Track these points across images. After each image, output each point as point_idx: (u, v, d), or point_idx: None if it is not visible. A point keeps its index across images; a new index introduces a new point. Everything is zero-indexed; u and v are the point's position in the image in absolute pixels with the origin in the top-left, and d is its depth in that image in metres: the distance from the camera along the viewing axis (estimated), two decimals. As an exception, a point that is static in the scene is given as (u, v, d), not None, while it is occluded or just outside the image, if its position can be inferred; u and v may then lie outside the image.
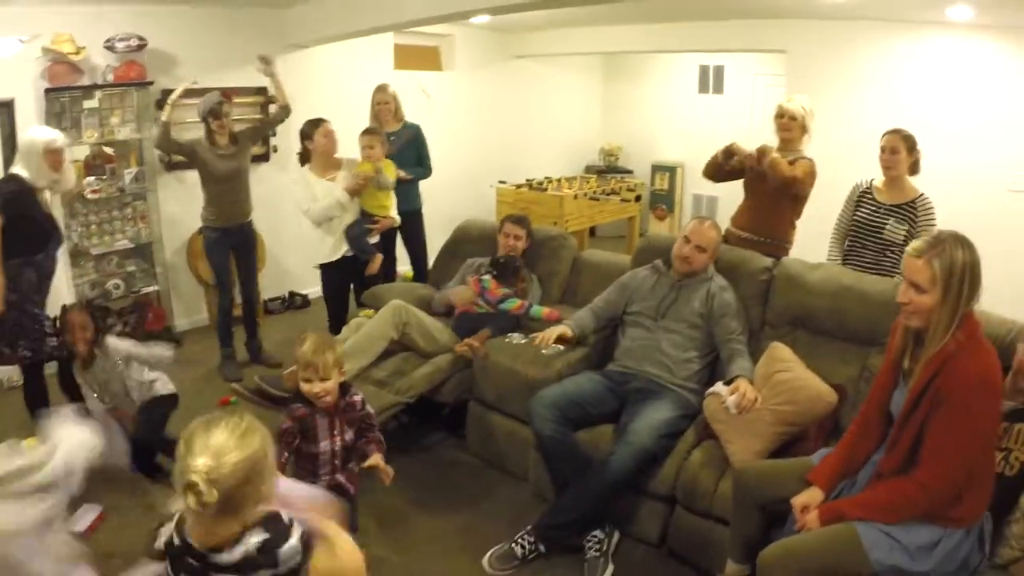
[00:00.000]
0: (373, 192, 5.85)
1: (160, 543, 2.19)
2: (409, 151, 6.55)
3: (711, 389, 4.01)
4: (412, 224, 6.74)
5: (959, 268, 2.69)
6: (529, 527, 4.00)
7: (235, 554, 2.02)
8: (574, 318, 4.77)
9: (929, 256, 2.72)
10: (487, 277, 5.14)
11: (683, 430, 4.06)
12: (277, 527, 2.10)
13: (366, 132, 5.96)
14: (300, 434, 3.55)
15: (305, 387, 3.50)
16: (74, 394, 4.74)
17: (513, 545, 3.95)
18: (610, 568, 3.87)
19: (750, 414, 3.77)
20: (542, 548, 3.94)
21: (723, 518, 3.61)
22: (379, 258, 5.93)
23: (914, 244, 2.82)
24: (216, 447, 1.99)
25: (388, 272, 6.79)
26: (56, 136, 4.61)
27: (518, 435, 4.64)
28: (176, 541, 2.11)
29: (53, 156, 4.52)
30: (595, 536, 3.93)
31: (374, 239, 5.96)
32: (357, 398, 3.69)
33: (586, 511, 3.90)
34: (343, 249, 5.87)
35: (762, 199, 5.22)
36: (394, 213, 6.06)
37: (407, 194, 6.40)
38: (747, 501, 3.35)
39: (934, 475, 2.71)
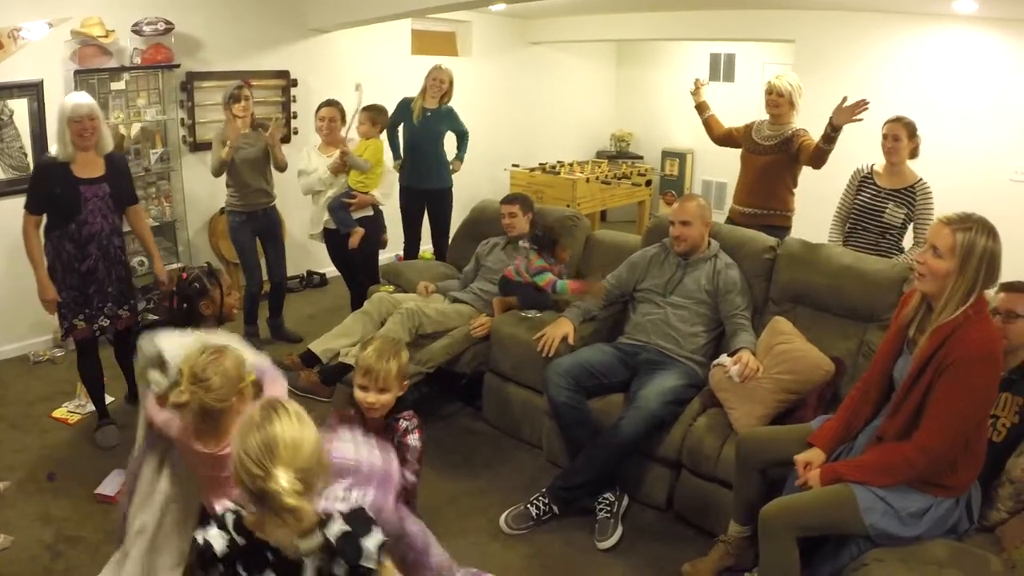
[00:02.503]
0: (357, 173, 5.99)
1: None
2: (442, 129, 6.77)
3: (716, 361, 4.17)
4: (440, 202, 6.93)
5: (979, 250, 2.80)
6: (543, 489, 4.19)
7: (313, 542, 1.99)
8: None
9: (955, 227, 2.83)
10: (532, 251, 5.21)
11: (689, 398, 4.22)
12: (360, 518, 2.08)
13: (365, 109, 6.09)
14: None
15: (359, 395, 3.14)
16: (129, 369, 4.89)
17: (528, 506, 4.13)
18: (619, 529, 4.04)
19: (752, 382, 3.94)
20: (556, 509, 4.12)
21: (726, 481, 3.79)
22: (359, 232, 5.99)
23: (947, 213, 2.93)
24: (289, 442, 1.99)
25: (410, 248, 6.99)
26: (79, 103, 4.46)
27: (533, 404, 4.83)
28: (240, 541, 2.04)
29: (77, 126, 4.44)
30: (606, 499, 4.12)
31: (359, 213, 6.06)
32: (403, 424, 3.21)
33: (597, 473, 4.09)
34: (323, 219, 6.09)
35: (757, 172, 5.58)
36: (377, 192, 6.12)
37: (437, 172, 6.56)
38: (749, 465, 3.51)
39: (935, 439, 2.83)
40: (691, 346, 4.46)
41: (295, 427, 2.05)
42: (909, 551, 2.90)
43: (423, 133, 6.56)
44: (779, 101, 5.47)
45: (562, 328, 4.73)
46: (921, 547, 2.91)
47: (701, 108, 6.03)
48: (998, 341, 2.88)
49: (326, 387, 4.84)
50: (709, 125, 6.04)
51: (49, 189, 4.50)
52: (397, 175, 6.79)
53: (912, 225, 5.02)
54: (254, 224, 6.20)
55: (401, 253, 7.20)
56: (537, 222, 5.52)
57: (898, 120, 5.00)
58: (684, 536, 4.08)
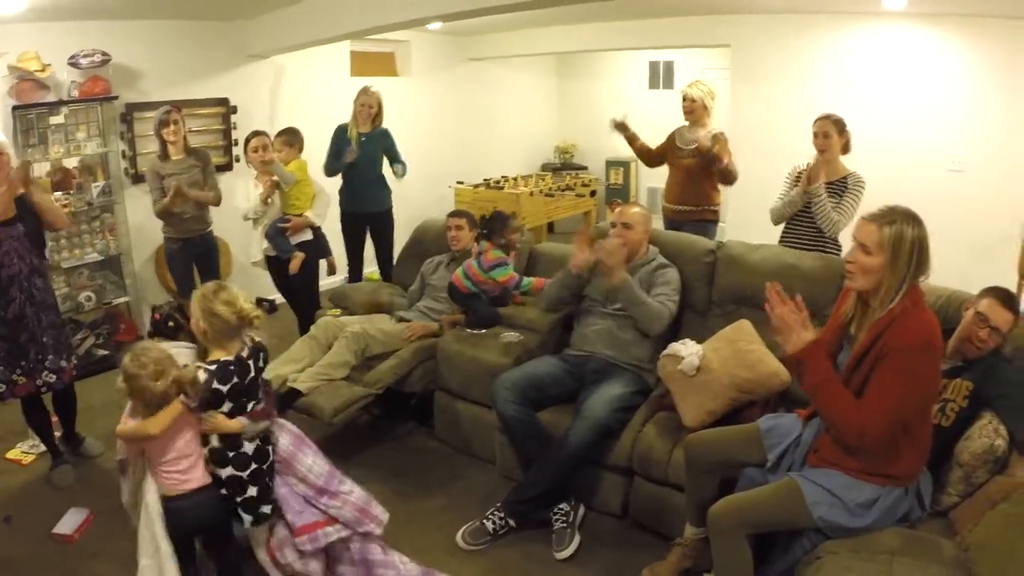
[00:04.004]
0: (288, 192, 5.90)
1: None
2: (378, 151, 6.75)
3: (666, 351, 4.16)
4: (382, 223, 6.93)
5: (908, 241, 2.84)
6: (499, 504, 4.19)
7: None
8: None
9: (881, 223, 2.88)
10: (482, 242, 5.20)
11: (637, 405, 4.26)
12: None
13: (280, 134, 6.05)
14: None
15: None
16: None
17: (484, 522, 4.13)
18: (577, 538, 4.05)
19: (708, 375, 3.93)
20: (512, 523, 4.13)
21: (679, 485, 3.80)
22: (299, 257, 5.91)
23: (869, 211, 2.98)
24: None
25: (354, 271, 6.98)
26: None
27: (483, 420, 4.83)
28: None
29: None
30: (561, 509, 4.14)
31: (297, 238, 5.98)
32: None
33: (550, 484, 4.10)
34: (264, 246, 6.05)
35: (683, 173, 6.11)
36: (310, 213, 6.02)
37: (377, 195, 6.56)
38: (698, 467, 3.53)
39: (871, 422, 2.83)
40: (637, 353, 4.48)
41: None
42: (861, 541, 2.93)
43: (361, 157, 6.54)
44: (693, 107, 6.08)
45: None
46: (873, 537, 2.94)
47: (631, 140, 6.50)
48: (935, 329, 2.91)
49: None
50: (641, 154, 6.55)
51: None
52: (336, 197, 6.76)
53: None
54: (190, 250, 6.15)
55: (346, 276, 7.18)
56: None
57: (827, 117, 5.13)
58: (641, 541, 4.09)
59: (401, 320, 5.41)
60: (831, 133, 5.07)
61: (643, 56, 10.83)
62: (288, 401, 4.76)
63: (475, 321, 5.16)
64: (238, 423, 3.27)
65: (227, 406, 3.26)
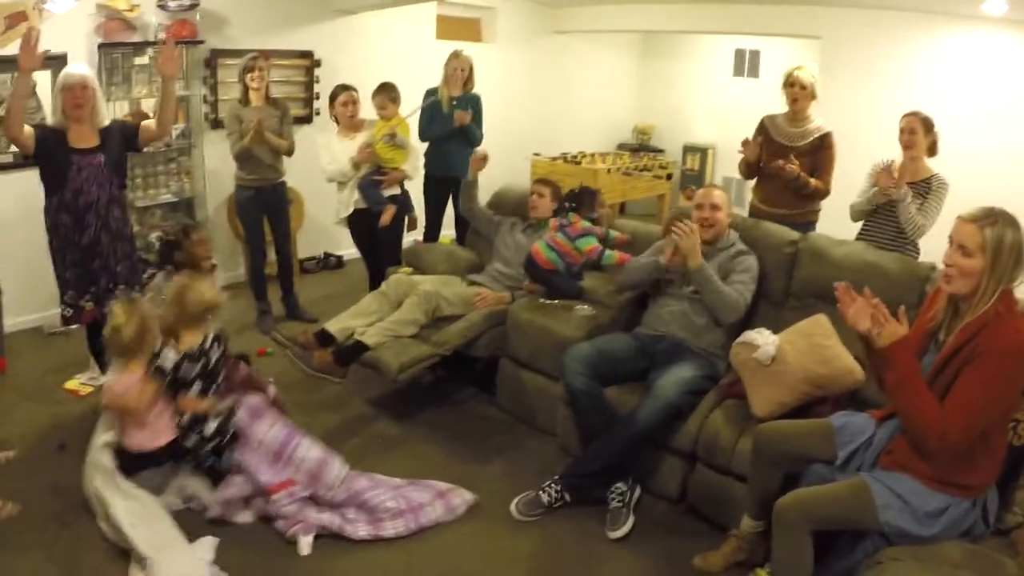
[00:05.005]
0: (386, 148, 5.96)
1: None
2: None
3: (740, 339, 4.10)
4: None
5: (1008, 244, 2.77)
6: (556, 477, 4.16)
7: None
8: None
9: (982, 224, 2.79)
10: (569, 213, 5.15)
11: (706, 390, 4.20)
12: None
13: (379, 91, 6.06)
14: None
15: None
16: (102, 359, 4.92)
17: (540, 493, 4.11)
18: (631, 519, 4.01)
19: (781, 366, 3.85)
20: (567, 497, 4.10)
21: (741, 475, 3.75)
22: (391, 210, 5.99)
23: (971, 211, 2.87)
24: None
25: (431, 233, 6.96)
26: (71, 72, 4.52)
27: (548, 392, 4.80)
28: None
29: (69, 94, 4.45)
30: (618, 488, 4.10)
31: (389, 191, 6.06)
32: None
33: (611, 462, 4.07)
34: (354, 199, 6.06)
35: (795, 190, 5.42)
36: (407, 167, 6.12)
37: (464, 160, 6.51)
38: (765, 459, 3.47)
39: (953, 426, 2.76)
40: (709, 338, 4.42)
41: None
42: (925, 550, 2.87)
43: (451, 120, 6.49)
44: (801, 94, 5.38)
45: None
46: (936, 547, 2.88)
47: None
48: None
49: (340, 367, 4.81)
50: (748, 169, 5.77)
51: (41, 153, 4.50)
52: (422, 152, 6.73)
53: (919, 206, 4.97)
54: (262, 199, 6.20)
55: (420, 237, 7.18)
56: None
57: (915, 114, 5.00)
58: (696, 529, 4.05)
59: (473, 283, 5.41)
60: (917, 130, 4.95)
61: (729, 43, 10.67)
62: (353, 355, 4.77)
63: (556, 294, 5.11)
64: (209, 402, 3.87)
65: (197, 386, 3.85)
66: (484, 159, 5.86)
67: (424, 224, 7.07)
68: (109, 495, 3.71)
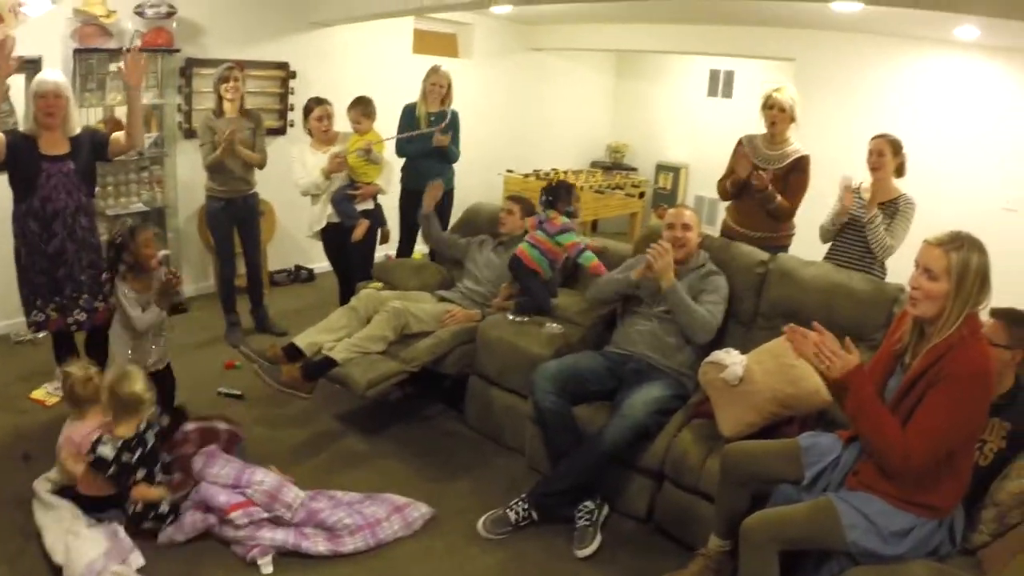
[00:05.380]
0: (360, 162, 5.93)
1: None
2: (445, 131, 6.62)
3: (708, 358, 4.10)
4: (442, 204, 6.75)
5: (973, 268, 2.78)
6: (523, 495, 4.15)
7: None
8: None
9: (947, 248, 2.81)
10: (547, 210, 5.15)
11: (675, 409, 4.20)
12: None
13: (354, 105, 6.03)
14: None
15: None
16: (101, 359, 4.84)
17: (507, 511, 4.09)
18: (598, 538, 4.00)
19: (749, 386, 3.86)
20: (535, 516, 4.08)
21: (709, 494, 3.75)
22: (364, 224, 5.97)
23: (937, 235, 2.88)
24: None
25: (405, 247, 6.95)
26: (44, 79, 4.50)
27: (516, 409, 4.79)
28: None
29: (42, 101, 4.43)
30: (586, 506, 4.08)
31: (361, 206, 6.04)
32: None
33: (579, 481, 4.05)
34: (327, 213, 6.02)
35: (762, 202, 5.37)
36: (381, 181, 6.10)
37: (440, 174, 6.49)
38: (733, 478, 3.47)
39: (916, 449, 2.77)
40: (679, 358, 4.42)
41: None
42: (890, 570, 2.87)
43: (428, 137, 6.47)
44: (780, 117, 5.28)
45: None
46: (902, 567, 2.88)
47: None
48: (991, 361, 2.86)
49: (307, 383, 4.77)
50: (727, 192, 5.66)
51: (11, 159, 4.46)
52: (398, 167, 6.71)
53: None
54: (233, 210, 6.16)
55: (392, 252, 7.15)
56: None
57: (883, 136, 5.05)
58: (664, 548, 4.04)
59: (443, 300, 5.40)
60: (885, 152, 5.00)
61: (703, 63, 10.72)
62: (321, 370, 4.74)
63: (526, 305, 5.11)
64: (160, 490, 3.84)
65: (141, 472, 3.80)
66: (439, 188, 5.89)
67: (398, 239, 7.05)
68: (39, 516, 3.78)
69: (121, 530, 3.65)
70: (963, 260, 2.78)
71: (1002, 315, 3.39)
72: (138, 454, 3.77)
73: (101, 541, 3.54)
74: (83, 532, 3.59)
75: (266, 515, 3.85)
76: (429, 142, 6.46)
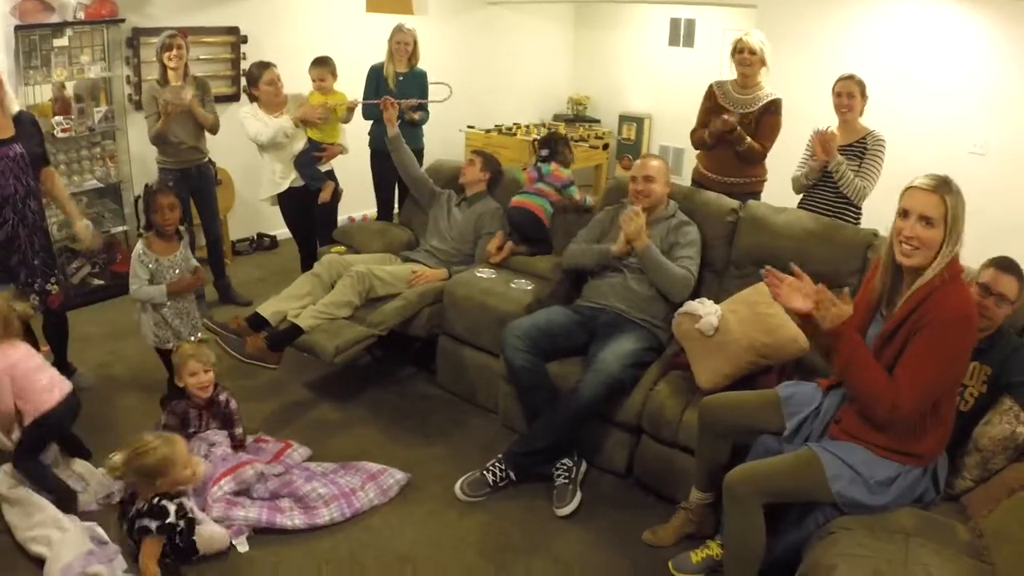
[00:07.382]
0: (325, 123, 5.85)
1: None
2: (413, 93, 6.51)
3: (682, 309, 4.06)
4: None
5: (961, 208, 2.74)
6: (500, 456, 4.10)
7: None
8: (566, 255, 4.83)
9: (942, 192, 2.73)
10: (545, 163, 5.18)
11: (649, 362, 4.16)
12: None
13: (317, 64, 5.91)
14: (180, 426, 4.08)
15: (197, 380, 4.02)
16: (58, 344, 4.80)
17: (484, 473, 4.05)
18: (578, 496, 3.97)
19: (725, 336, 3.82)
20: (512, 476, 4.04)
21: (688, 447, 3.72)
22: (330, 186, 5.90)
23: (923, 179, 2.80)
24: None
25: (384, 211, 6.94)
26: None
27: (488, 368, 4.74)
28: None
29: None
30: (564, 464, 4.05)
31: (325, 167, 5.97)
32: (223, 395, 4.17)
33: (556, 438, 4.01)
34: (291, 178, 5.91)
35: (732, 145, 5.36)
36: (343, 140, 6.04)
37: (412, 134, 6.37)
38: (712, 430, 3.45)
39: (904, 397, 2.73)
40: (650, 310, 4.37)
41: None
42: (876, 519, 2.87)
43: (398, 96, 6.33)
44: (750, 60, 5.27)
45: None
46: (888, 516, 2.89)
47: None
48: (973, 304, 2.83)
49: (273, 353, 4.68)
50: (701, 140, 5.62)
51: None
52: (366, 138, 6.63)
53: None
54: (187, 182, 5.99)
55: (354, 215, 7.03)
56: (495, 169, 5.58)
57: (851, 77, 4.98)
58: (644, 503, 4.03)
59: (408, 260, 5.32)
60: (855, 93, 4.93)
61: (664, 12, 10.59)
62: (287, 339, 4.66)
63: (541, 252, 5.19)
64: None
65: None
66: (393, 104, 5.74)
67: (376, 202, 6.96)
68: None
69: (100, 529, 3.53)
70: (955, 204, 2.73)
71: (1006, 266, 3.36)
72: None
73: (85, 540, 3.42)
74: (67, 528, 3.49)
75: (235, 486, 3.79)
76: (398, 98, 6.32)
